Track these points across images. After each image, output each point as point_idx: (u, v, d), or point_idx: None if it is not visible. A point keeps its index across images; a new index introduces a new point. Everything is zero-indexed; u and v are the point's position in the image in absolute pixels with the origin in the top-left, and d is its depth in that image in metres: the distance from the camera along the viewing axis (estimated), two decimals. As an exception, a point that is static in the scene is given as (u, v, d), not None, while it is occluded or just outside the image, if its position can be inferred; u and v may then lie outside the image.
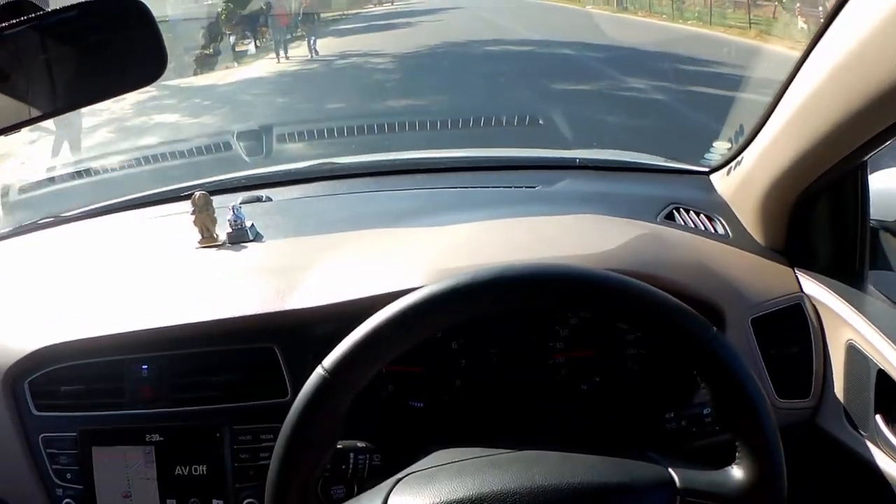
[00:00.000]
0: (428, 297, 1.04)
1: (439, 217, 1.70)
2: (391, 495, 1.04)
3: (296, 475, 1.03)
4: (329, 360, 1.03)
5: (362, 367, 1.03)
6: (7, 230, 2.03)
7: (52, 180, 3.19)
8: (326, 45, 19.95)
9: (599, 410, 1.42)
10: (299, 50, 19.11)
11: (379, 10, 38.85)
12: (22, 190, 3.04)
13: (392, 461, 1.21)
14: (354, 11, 38.41)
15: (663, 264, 1.43)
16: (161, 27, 1.00)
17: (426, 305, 1.04)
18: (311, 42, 19.71)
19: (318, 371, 1.03)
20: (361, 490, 1.17)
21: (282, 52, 18.72)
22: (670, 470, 1.04)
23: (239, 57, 19.29)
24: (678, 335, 1.05)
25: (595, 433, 1.24)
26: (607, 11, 26.61)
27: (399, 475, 1.08)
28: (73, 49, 0.98)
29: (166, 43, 1.01)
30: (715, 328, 1.04)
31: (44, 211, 2.14)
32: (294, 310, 1.40)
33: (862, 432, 1.33)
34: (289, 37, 20.31)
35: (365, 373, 1.04)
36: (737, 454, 1.05)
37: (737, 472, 1.04)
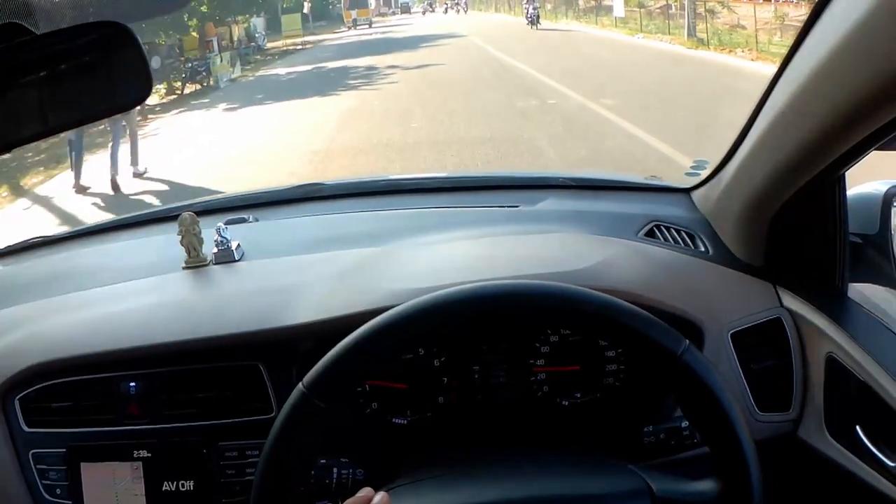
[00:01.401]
0: (402, 316, 1.06)
1: (422, 237, 1.72)
2: None
3: (278, 491, 1.04)
4: (308, 377, 1.05)
5: (341, 384, 1.05)
6: None
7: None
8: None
9: (579, 425, 1.43)
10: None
11: (347, 37, 34.30)
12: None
13: (375, 476, 1.22)
14: (318, 38, 31.70)
15: (643, 281, 1.45)
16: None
17: (400, 323, 1.05)
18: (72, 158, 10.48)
19: (299, 388, 1.04)
20: None
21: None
22: (647, 480, 1.06)
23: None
24: (651, 349, 1.06)
25: (575, 447, 1.25)
26: (676, 44, 19.26)
27: (383, 489, 1.09)
28: (64, 71, 1.00)
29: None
30: (687, 341, 1.06)
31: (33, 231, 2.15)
32: (278, 328, 1.42)
33: (843, 444, 1.34)
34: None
35: (344, 390, 1.05)
36: (714, 464, 1.06)
37: (713, 483, 1.06)
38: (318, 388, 1.03)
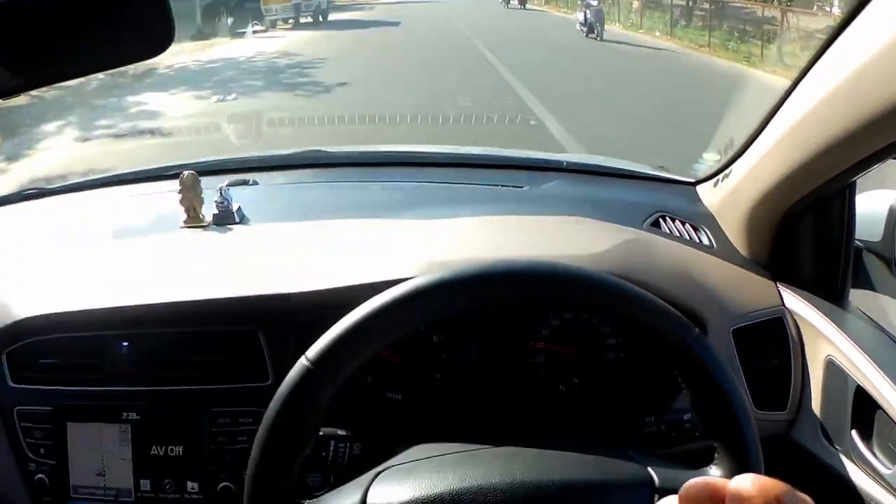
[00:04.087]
0: (416, 290, 1.03)
1: (426, 211, 1.70)
2: (371, 488, 1.03)
3: (276, 464, 1.02)
4: (313, 350, 1.02)
5: (347, 359, 1.02)
6: None
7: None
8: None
9: (578, 411, 1.42)
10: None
11: (206, 62, 15.17)
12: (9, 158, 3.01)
13: (372, 451, 1.21)
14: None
15: (648, 269, 1.44)
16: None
17: (413, 298, 1.03)
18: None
19: (302, 361, 1.02)
20: (339, 478, 1.16)
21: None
22: (649, 469, 1.05)
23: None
24: (660, 335, 1.06)
25: (574, 433, 1.24)
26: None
27: (378, 468, 1.08)
28: (77, 17, 0.97)
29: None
30: (697, 329, 1.05)
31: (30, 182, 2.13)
32: (279, 294, 1.39)
33: (837, 447, 1.34)
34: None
35: (349, 365, 1.03)
36: (716, 455, 1.05)
37: (715, 473, 1.04)
38: (324, 362, 1.01)
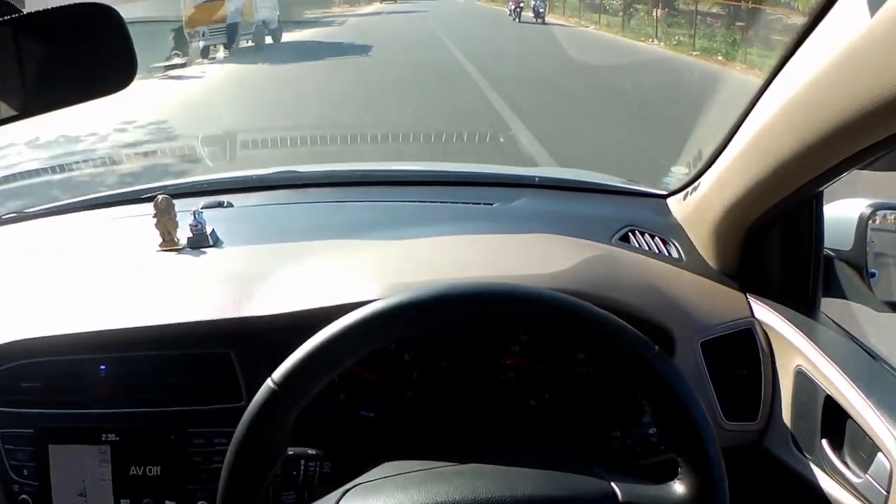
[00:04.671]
0: (375, 313, 1.06)
1: (397, 230, 1.72)
2: None
3: (244, 484, 1.04)
4: (278, 372, 1.05)
5: (311, 380, 1.05)
6: None
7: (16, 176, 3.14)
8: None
9: (547, 426, 1.44)
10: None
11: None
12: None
13: (342, 469, 1.22)
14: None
15: (615, 285, 1.45)
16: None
17: (373, 321, 1.06)
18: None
19: (268, 384, 1.05)
20: (311, 497, 1.18)
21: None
22: (613, 484, 1.06)
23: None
24: (620, 353, 1.08)
25: (542, 448, 1.25)
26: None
27: (346, 486, 1.10)
28: (45, 54, 0.98)
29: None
30: (657, 347, 1.07)
31: (6, 207, 2.12)
32: (250, 317, 1.41)
33: (808, 456, 1.35)
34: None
35: (313, 386, 1.06)
36: (679, 469, 1.07)
37: (678, 488, 1.06)
38: (288, 384, 1.04)
